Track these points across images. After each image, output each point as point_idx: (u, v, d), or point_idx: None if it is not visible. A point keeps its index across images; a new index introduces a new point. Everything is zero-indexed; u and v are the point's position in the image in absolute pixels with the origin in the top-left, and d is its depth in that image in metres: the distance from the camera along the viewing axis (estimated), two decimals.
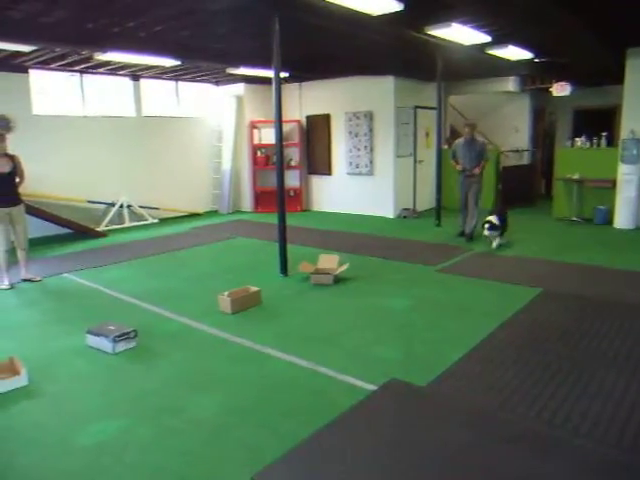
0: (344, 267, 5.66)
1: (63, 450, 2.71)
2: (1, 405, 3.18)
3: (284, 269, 5.90)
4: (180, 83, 10.72)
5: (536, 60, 8.23)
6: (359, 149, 10.22)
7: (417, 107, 10.30)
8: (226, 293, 4.74)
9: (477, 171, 7.42)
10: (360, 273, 5.88)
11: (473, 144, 7.49)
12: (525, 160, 11.63)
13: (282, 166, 5.96)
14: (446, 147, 10.25)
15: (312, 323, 4.46)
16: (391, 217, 9.89)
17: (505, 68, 9.04)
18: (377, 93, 9.87)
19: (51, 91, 9.06)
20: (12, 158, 5.74)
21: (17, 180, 5.81)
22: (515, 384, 3.24)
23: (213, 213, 11.00)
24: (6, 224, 5.72)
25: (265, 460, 2.54)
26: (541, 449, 2.58)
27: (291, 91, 10.94)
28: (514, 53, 7.47)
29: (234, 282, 5.36)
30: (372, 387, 3.25)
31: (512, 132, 11.85)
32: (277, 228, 5.91)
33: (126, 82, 9.88)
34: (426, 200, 10.55)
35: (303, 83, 10.86)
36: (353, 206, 10.48)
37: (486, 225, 6.85)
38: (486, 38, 6.39)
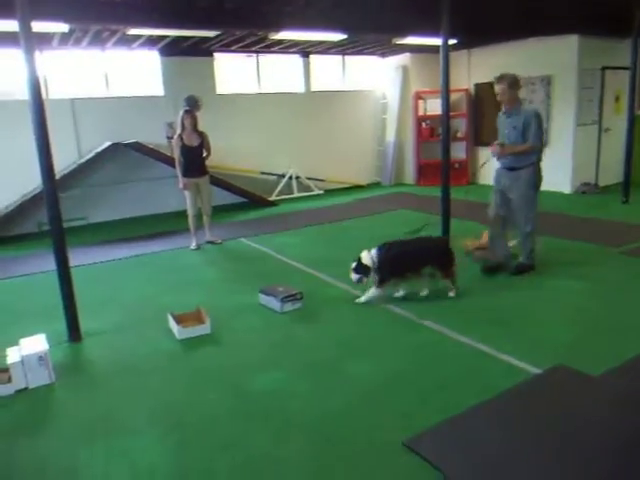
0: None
1: (238, 392, 3.05)
2: (190, 348, 3.68)
3: None
4: (346, 57, 10.92)
5: None
6: None
7: (605, 68, 9.12)
8: None
9: (495, 150, 4.59)
10: None
11: (514, 114, 4.56)
12: None
13: (448, 138, 5.77)
14: None
15: (474, 299, 4.32)
16: (567, 192, 9.01)
17: None
18: (557, 55, 8.93)
19: (231, 72, 9.92)
20: (201, 134, 6.45)
21: (204, 154, 6.52)
22: None
23: (375, 185, 11.14)
24: (194, 192, 6.48)
25: (416, 427, 2.57)
26: None
27: (459, 58, 10.43)
28: None
29: None
30: (535, 370, 3.07)
31: None
32: (440, 201, 5.78)
33: (296, 59, 10.36)
34: (611, 174, 9.38)
35: (472, 49, 10.29)
36: None
37: (352, 264, 4.30)
38: None
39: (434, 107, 10.19)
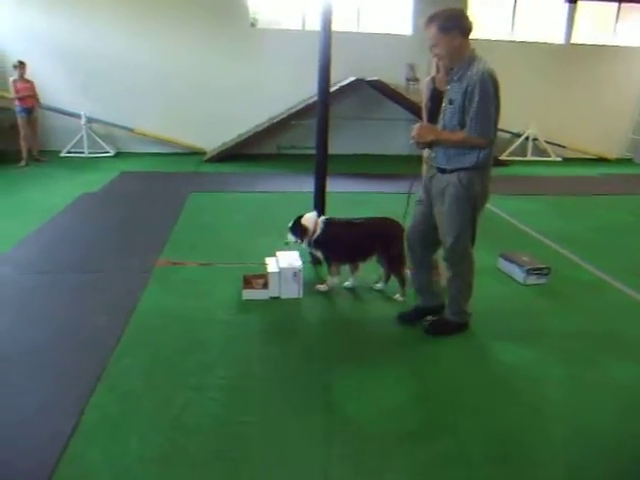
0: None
1: (490, 364, 2.92)
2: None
3: None
4: (623, 5, 9.35)
5: None
6: None
7: None
8: None
9: (415, 132, 2.91)
10: None
11: (455, 80, 2.76)
12: None
13: None
14: None
15: None
16: None
17: None
18: None
19: (485, 14, 9.24)
20: None
21: None
22: None
23: (625, 161, 9.66)
24: None
25: None
26: None
27: None
28: None
29: None
30: None
31: None
32: None
33: (560, 5, 9.21)
34: None
35: None
36: None
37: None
38: None
39: None
